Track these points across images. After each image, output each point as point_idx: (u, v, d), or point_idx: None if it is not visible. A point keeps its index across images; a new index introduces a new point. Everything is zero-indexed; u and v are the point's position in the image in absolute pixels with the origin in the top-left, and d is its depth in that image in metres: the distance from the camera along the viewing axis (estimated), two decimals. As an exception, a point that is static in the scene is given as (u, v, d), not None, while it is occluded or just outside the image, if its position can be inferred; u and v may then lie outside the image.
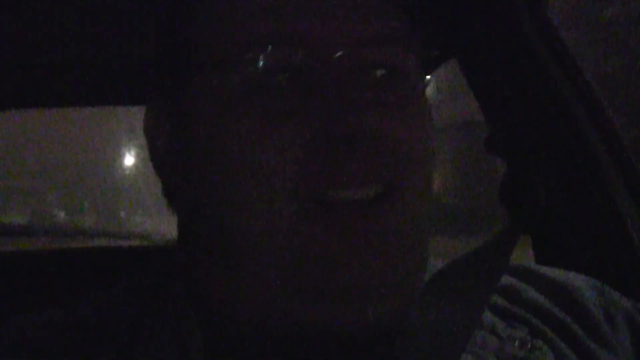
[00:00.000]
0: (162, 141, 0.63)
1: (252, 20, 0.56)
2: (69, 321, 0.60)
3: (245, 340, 0.58)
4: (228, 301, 0.59)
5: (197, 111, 0.58)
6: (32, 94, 1.48)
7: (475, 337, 0.61)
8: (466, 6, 1.03)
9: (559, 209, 0.98)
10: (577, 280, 0.70)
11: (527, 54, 0.99)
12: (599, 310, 0.67)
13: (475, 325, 0.62)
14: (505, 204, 0.99)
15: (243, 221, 0.56)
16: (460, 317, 0.62)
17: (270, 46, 0.55)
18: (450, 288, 0.65)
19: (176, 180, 0.62)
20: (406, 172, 0.56)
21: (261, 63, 0.55)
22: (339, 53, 0.54)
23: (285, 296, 0.55)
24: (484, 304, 0.64)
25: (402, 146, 0.56)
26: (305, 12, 0.55)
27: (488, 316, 0.64)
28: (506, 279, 0.68)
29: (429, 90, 0.60)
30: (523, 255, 0.83)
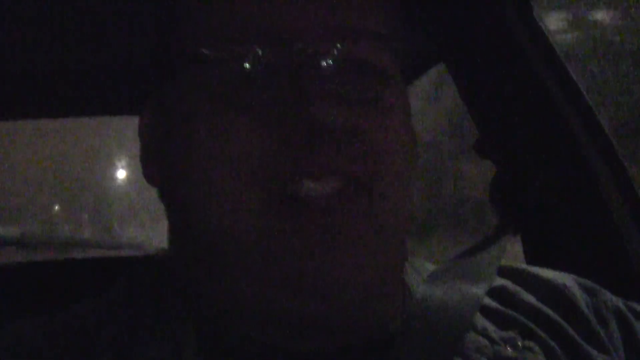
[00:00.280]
0: (152, 143, 0.64)
1: (223, 18, 0.57)
2: (66, 324, 0.60)
3: (234, 340, 0.58)
4: (211, 300, 0.59)
5: (175, 109, 0.59)
6: (25, 105, 1.47)
7: (467, 339, 0.61)
8: (454, 10, 1.03)
9: (549, 209, 0.98)
10: (567, 280, 0.70)
11: (515, 57, 0.99)
12: (590, 310, 0.67)
13: (467, 327, 0.62)
14: (495, 204, 0.99)
15: (213, 217, 0.56)
16: (451, 319, 0.62)
17: (239, 42, 0.56)
18: (442, 290, 0.65)
19: (162, 181, 0.63)
20: (374, 169, 0.56)
21: (231, 59, 0.56)
22: (305, 47, 0.55)
23: (255, 290, 0.55)
24: (475, 306, 0.64)
25: (370, 142, 0.56)
26: (275, 8, 0.56)
27: (479, 318, 0.64)
28: (497, 280, 0.68)
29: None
30: (513, 254, 0.83)
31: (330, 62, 0.55)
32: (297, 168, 0.54)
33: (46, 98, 1.44)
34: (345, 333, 0.58)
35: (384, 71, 0.59)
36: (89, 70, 1.32)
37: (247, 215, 0.54)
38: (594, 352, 0.64)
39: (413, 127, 0.64)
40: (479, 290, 0.65)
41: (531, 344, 0.63)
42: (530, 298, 0.67)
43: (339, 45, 0.56)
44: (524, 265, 0.75)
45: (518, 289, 0.68)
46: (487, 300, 0.66)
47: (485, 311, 0.65)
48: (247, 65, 0.56)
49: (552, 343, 0.64)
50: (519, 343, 0.63)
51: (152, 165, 0.64)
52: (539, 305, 0.67)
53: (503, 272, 0.70)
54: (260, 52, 0.55)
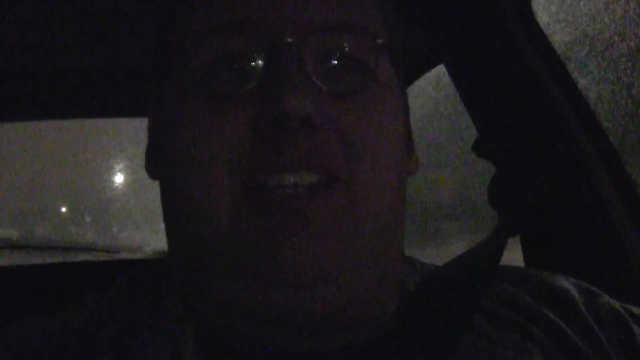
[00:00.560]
0: (152, 139, 0.65)
1: (209, 11, 0.57)
2: (66, 325, 0.60)
3: (232, 340, 0.58)
4: (204, 298, 0.59)
5: (166, 105, 0.60)
6: (26, 106, 1.47)
7: (466, 340, 0.61)
8: (453, 11, 1.03)
9: (548, 210, 0.98)
10: (566, 282, 0.70)
11: (515, 57, 0.99)
12: (589, 313, 0.67)
13: (465, 329, 0.62)
14: (494, 205, 0.99)
15: (192, 208, 0.56)
16: (450, 320, 0.62)
17: (219, 35, 0.56)
18: (441, 290, 0.65)
19: (159, 175, 0.63)
20: (353, 163, 0.55)
21: (211, 52, 0.56)
22: (284, 40, 0.55)
23: (233, 285, 0.55)
24: (474, 307, 0.64)
25: (350, 136, 0.55)
26: (257, 3, 0.56)
27: (478, 319, 0.64)
28: (496, 282, 0.68)
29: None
30: (512, 255, 0.83)
31: (310, 55, 0.55)
32: (267, 159, 0.53)
33: (48, 99, 1.44)
34: (340, 332, 0.58)
35: (367, 65, 0.58)
36: (91, 72, 1.32)
37: (221, 207, 0.54)
38: (593, 354, 0.64)
39: (407, 125, 0.64)
40: (478, 292, 0.65)
41: (530, 345, 0.63)
42: (529, 300, 0.67)
43: (320, 38, 0.56)
44: (522, 267, 0.75)
45: (517, 290, 0.68)
46: (486, 302, 0.66)
47: (484, 312, 0.65)
48: (227, 57, 0.56)
49: (551, 345, 0.63)
50: (518, 345, 0.62)
51: (152, 160, 0.65)
52: (538, 307, 0.66)
53: (502, 273, 0.69)
54: (239, 45, 0.56)
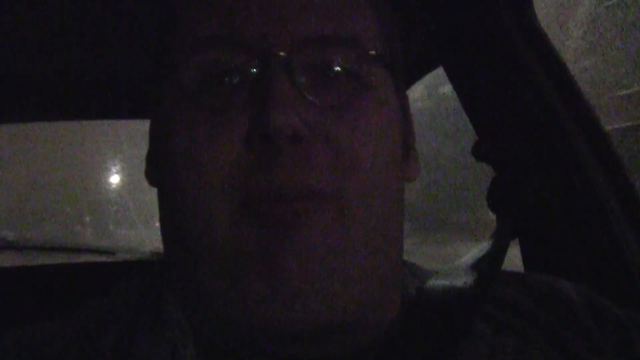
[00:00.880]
0: (151, 144, 0.65)
1: (200, 24, 0.57)
2: (66, 329, 0.60)
3: (231, 344, 0.58)
4: (197, 306, 0.59)
5: (163, 113, 0.60)
6: (25, 108, 1.47)
7: (466, 344, 0.61)
8: (452, 13, 1.03)
9: (547, 213, 0.98)
10: (566, 286, 0.70)
11: (514, 60, 0.99)
12: (589, 318, 0.67)
13: (465, 333, 0.62)
14: (494, 209, 0.99)
15: (185, 223, 0.56)
16: (450, 324, 0.62)
17: (210, 48, 0.56)
18: (441, 295, 0.64)
19: (157, 182, 0.63)
20: (343, 178, 0.55)
21: (202, 65, 0.56)
22: (275, 54, 0.54)
23: (228, 299, 0.55)
24: (474, 311, 0.64)
25: (341, 149, 0.55)
26: (248, 16, 0.56)
27: (479, 323, 0.64)
28: (496, 286, 0.68)
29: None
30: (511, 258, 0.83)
31: (300, 67, 0.55)
32: (258, 176, 0.53)
33: (47, 101, 1.44)
34: (339, 341, 0.57)
35: (359, 76, 0.58)
36: (90, 74, 1.32)
37: (218, 220, 0.54)
38: (593, 359, 0.64)
39: (407, 130, 0.64)
40: (477, 296, 0.65)
41: (530, 350, 0.63)
42: (529, 304, 0.67)
43: (310, 51, 0.56)
44: (522, 272, 0.75)
45: (517, 295, 0.68)
46: (486, 306, 0.66)
47: (485, 317, 0.65)
48: (218, 70, 0.56)
49: (551, 350, 0.63)
50: (518, 349, 0.62)
51: (151, 166, 0.64)
52: (538, 312, 0.66)
53: (502, 277, 0.69)
54: (230, 58, 0.56)
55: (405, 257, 0.67)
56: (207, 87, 0.56)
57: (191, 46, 0.57)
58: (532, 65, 0.97)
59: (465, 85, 1.06)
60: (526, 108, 0.99)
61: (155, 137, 0.63)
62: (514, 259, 0.96)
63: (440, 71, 1.15)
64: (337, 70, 0.57)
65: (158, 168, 0.61)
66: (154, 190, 0.65)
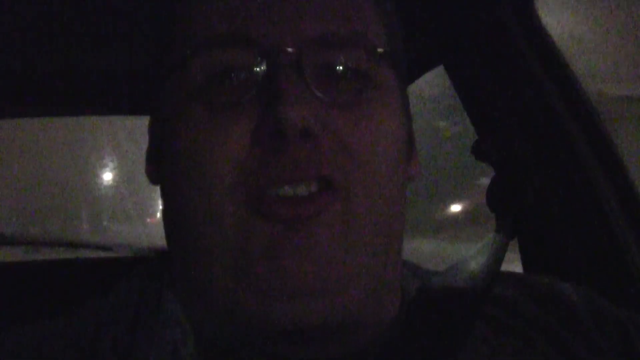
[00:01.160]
0: (152, 142, 0.64)
1: (206, 22, 0.57)
2: (67, 327, 0.60)
3: (231, 343, 0.58)
4: (200, 303, 0.59)
5: (166, 110, 0.60)
6: (25, 103, 1.47)
7: (467, 346, 0.61)
8: (453, 12, 1.03)
9: (547, 214, 0.98)
10: (567, 288, 0.70)
11: (514, 59, 0.99)
12: (590, 320, 0.67)
13: (465, 334, 0.62)
14: (493, 209, 0.98)
15: (192, 220, 0.56)
16: (450, 325, 0.62)
17: (219, 46, 0.56)
18: (441, 296, 0.64)
19: (160, 180, 0.63)
20: (350, 172, 0.55)
21: (212, 63, 0.56)
22: (282, 49, 0.54)
23: (234, 295, 0.55)
24: (474, 313, 0.64)
25: (347, 144, 0.55)
26: (256, 15, 0.56)
27: (479, 325, 0.64)
28: (497, 288, 0.68)
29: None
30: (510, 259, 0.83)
31: (309, 65, 0.55)
32: (267, 171, 0.53)
33: (45, 97, 1.43)
34: (340, 340, 0.57)
35: (366, 74, 0.58)
36: (90, 69, 1.32)
37: (224, 217, 0.54)
38: None
39: (409, 129, 0.64)
40: (478, 297, 0.65)
41: (530, 351, 0.62)
42: (529, 306, 0.67)
43: (318, 49, 0.56)
44: (522, 273, 0.75)
45: (517, 296, 0.68)
46: (487, 308, 0.65)
47: (485, 318, 0.64)
48: (227, 68, 0.56)
49: (551, 351, 0.63)
50: (519, 351, 0.62)
51: (152, 164, 0.64)
52: (538, 313, 0.66)
53: (502, 279, 0.69)
54: (239, 56, 0.56)
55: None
56: (214, 85, 0.56)
57: (197, 44, 0.57)
58: (533, 64, 0.97)
59: (466, 85, 1.06)
60: (526, 108, 0.98)
61: (157, 135, 0.63)
62: (514, 259, 0.95)
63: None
64: (345, 68, 0.57)
65: (161, 166, 0.61)
66: (152, 188, 0.65)
